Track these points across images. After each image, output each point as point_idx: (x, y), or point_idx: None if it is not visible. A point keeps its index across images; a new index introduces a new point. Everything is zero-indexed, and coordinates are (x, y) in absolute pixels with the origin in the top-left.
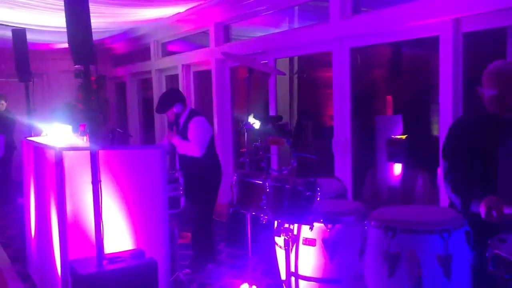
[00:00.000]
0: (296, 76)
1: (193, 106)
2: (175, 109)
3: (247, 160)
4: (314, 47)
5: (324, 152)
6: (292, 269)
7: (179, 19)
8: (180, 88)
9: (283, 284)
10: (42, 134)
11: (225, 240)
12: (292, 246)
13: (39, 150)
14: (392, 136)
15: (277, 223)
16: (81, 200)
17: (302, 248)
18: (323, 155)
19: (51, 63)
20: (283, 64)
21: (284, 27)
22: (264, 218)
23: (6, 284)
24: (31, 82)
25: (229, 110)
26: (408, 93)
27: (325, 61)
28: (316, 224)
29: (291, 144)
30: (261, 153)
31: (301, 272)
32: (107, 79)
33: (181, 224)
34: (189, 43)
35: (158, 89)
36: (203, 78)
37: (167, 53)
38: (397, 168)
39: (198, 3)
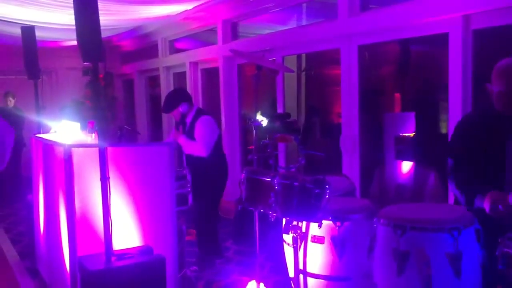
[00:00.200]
0: (304, 73)
1: (200, 103)
2: (181, 109)
3: (255, 157)
4: (322, 44)
5: (332, 150)
6: (301, 266)
7: (186, 16)
8: (188, 86)
9: (291, 282)
10: (51, 131)
11: (233, 238)
12: (301, 243)
13: (48, 147)
14: (400, 134)
15: (286, 220)
16: (90, 196)
17: (311, 245)
18: (331, 152)
19: (59, 61)
20: (290, 62)
21: (292, 24)
22: (272, 216)
23: (15, 279)
24: (39, 80)
25: (236, 107)
26: (417, 90)
27: (333, 59)
28: (324, 222)
29: (299, 142)
30: (269, 150)
31: (309, 269)
32: (114, 76)
33: (189, 221)
34: (197, 40)
35: (166, 86)
36: (210, 76)
37: (174, 50)
38: (405, 166)
39: (206, 0)
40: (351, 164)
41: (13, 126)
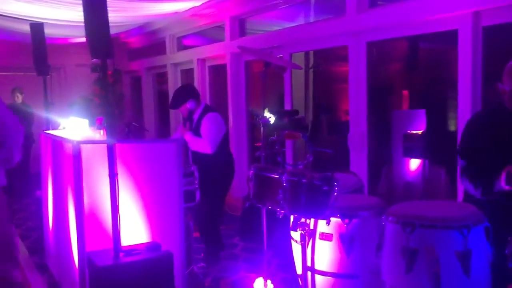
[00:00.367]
0: (311, 70)
1: (208, 100)
2: (188, 105)
3: (263, 154)
4: (330, 41)
5: (340, 147)
6: (309, 263)
7: (194, 13)
8: (195, 83)
9: (299, 279)
10: (59, 128)
11: (240, 234)
12: (309, 240)
13: (57, 143)
14: (409, 131)
15: (294, 217)
16: (98, 192)
17: (319, 242)
18: (339, 150)
19: (68, 57)
20: (298, 59)
21: (300, 21)
22: (280, 213)
23: (24, 275)
24: (48, 76)
25: (244, 104)
26: (425, 88)
27: (341, 55)
28: (333, 219)
29: (307, 139)
30: (276, 147)
31: (317, 266)
32: (122, 73)
33: (193, 217)
34: (205, 37)
35: (174, 83)
36: (218, 72)
37: (182, 47)
38: (414, 164)
39: None
40: (359, 162)
41: (22, 122)
